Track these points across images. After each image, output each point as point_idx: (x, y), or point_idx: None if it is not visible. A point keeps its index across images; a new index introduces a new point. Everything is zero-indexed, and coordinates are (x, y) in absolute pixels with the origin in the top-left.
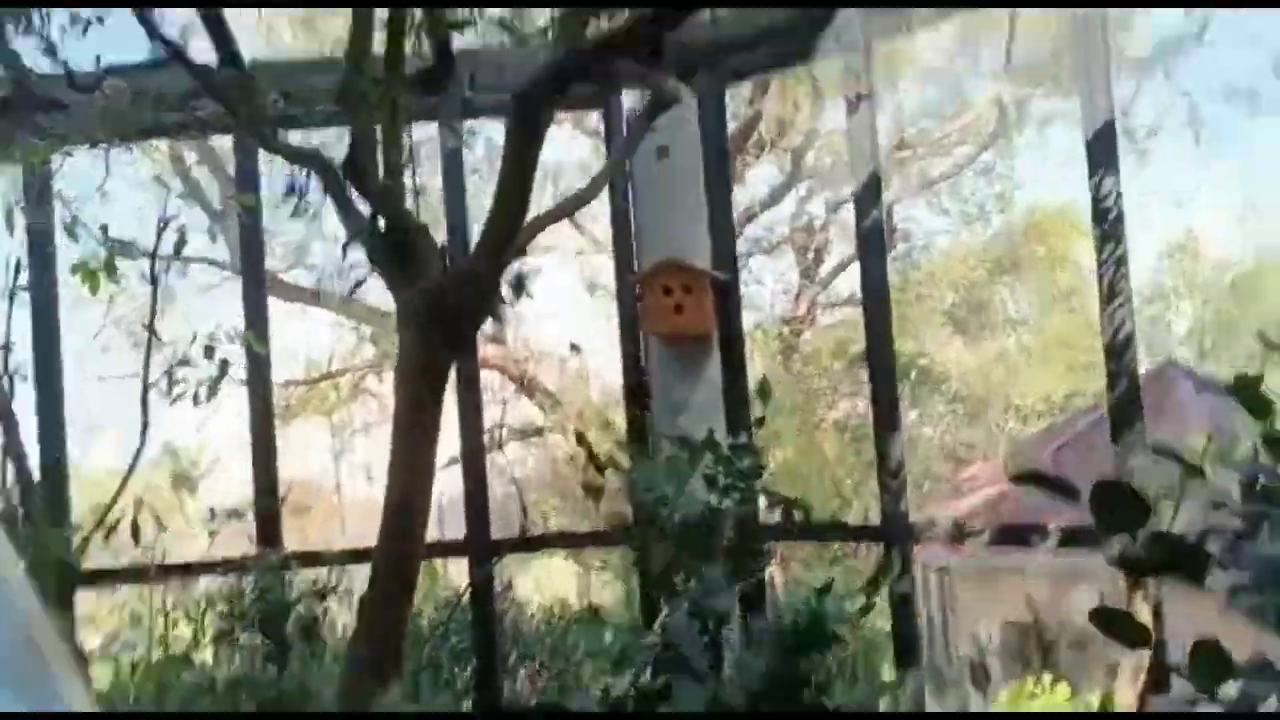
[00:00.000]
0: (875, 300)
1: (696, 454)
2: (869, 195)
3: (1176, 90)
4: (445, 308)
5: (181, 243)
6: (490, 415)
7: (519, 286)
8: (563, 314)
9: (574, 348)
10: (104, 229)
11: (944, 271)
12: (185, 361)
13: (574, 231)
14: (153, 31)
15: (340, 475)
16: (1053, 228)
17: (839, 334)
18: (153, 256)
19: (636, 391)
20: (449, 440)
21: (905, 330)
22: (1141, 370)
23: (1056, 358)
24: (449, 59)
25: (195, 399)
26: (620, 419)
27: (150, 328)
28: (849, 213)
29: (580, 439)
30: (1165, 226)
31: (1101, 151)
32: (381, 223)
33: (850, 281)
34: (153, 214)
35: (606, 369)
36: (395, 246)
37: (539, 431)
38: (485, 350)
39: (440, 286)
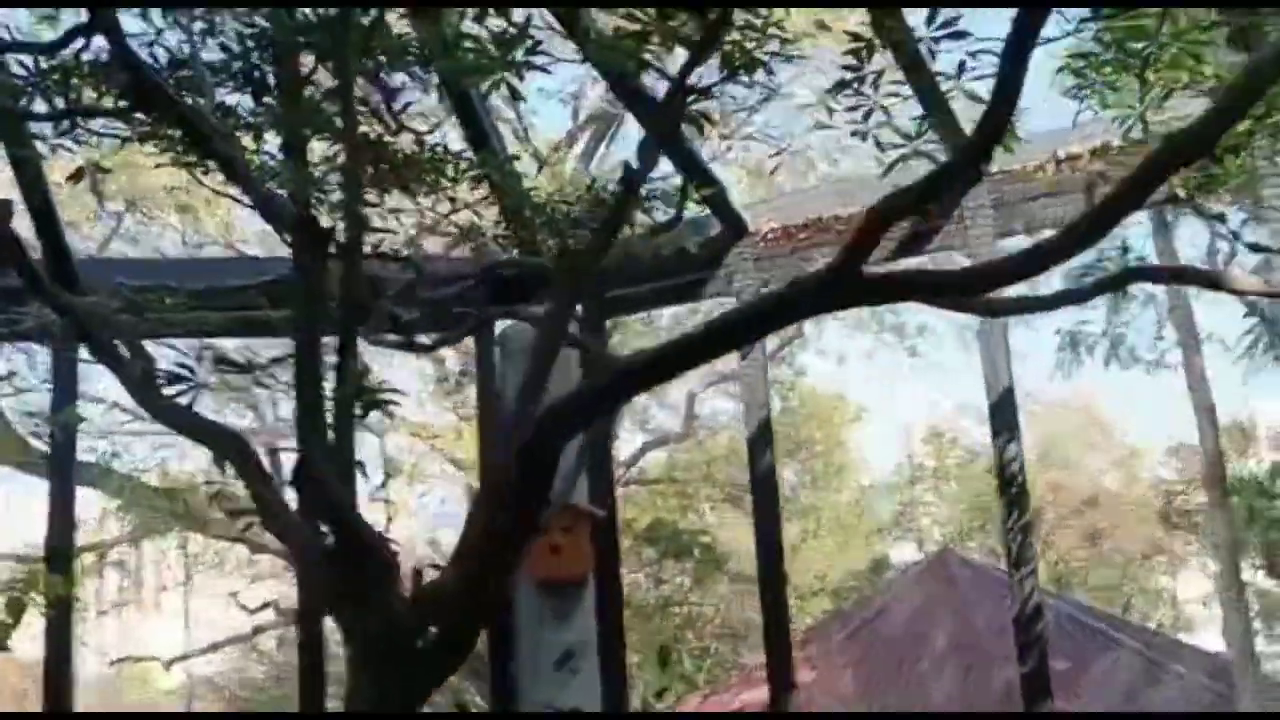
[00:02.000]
0: (768, 555)
1: None
2: (761, 442)
3: None
4: (411, 642)
5: None
6: None
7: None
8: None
9: None
10: None
11: (730, 453)
12: None
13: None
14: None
15: (75, 656)
16: (829, 414)
17: (623, 514)
18: None
19: (501, 643)
20: None
21: (689, 509)
22: (919, 557)
23: (829, 537)
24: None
25: None
26: None
27: None
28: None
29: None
30: (928, 415)
31: (1003, 420)
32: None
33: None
34: None
35: None
36: (351, 567)
37: None
38: None
39: (404, 614)
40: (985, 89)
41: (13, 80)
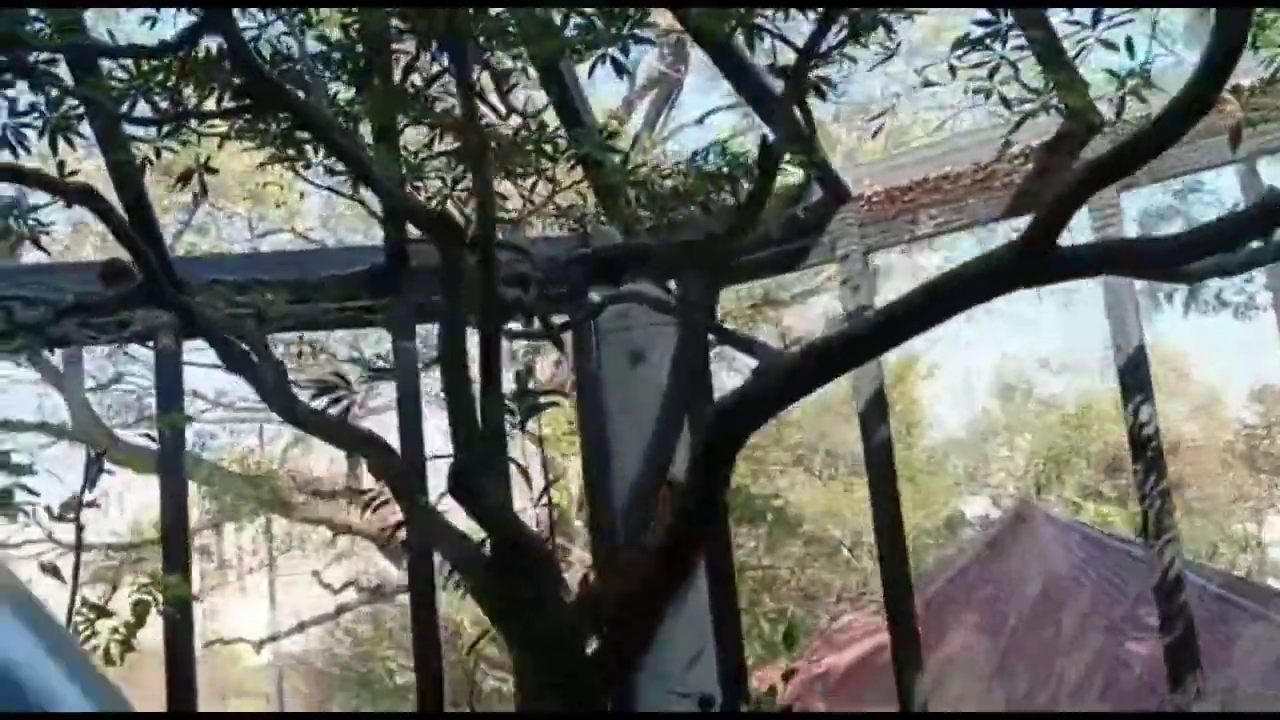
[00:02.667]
0: (888, 526)
1: None
2: (875, 413)
3: None
4: (578, 645)
5: (98, 474)
6: None
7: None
8: None
9: None
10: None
11: (799, 417)
12: (103, 612)
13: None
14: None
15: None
16: (902, 373)
17: None
18: (77, 507)
19: None
20: None
21: (761, 473)
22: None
23: (905, 497)
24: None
25: (107, 656)
26: None
27: (74, 585)
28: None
29: None
30: (999, 371)
31: (1135, 380)
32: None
33: None
34: None
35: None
36: (510, 574)
37: None
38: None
39: (570, 617)
40: (1118, 37)
41: (111, 84)
